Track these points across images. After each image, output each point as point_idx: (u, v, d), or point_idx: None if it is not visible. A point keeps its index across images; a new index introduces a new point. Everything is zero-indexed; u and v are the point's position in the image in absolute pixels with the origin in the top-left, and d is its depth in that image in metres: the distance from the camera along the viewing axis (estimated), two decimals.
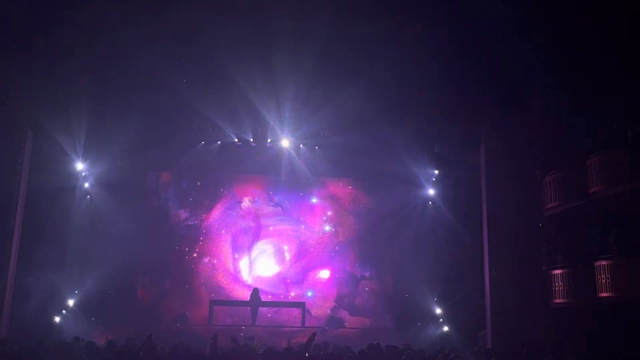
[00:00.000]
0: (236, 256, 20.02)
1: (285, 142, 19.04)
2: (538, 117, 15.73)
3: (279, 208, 20.31)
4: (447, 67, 13.90)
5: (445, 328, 17.59)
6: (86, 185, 18.10)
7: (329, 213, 20.42)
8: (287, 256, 20.19)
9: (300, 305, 18.52)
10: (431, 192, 19.36)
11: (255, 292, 18.27)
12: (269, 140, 18.94)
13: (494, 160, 16.15)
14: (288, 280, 19.74)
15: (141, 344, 8.67)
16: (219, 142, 19.09)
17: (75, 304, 17.07)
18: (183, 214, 19.86)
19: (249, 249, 20.13)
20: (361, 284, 19.78)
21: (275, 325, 18.25)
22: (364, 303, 19.60)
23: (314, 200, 20.39)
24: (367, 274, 19.72)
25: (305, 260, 20.09)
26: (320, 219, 20.39)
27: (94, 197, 18.11)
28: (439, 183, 19.04)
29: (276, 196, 20.25)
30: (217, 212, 20.11)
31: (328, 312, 19.42)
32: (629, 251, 12.87)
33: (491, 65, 14.21)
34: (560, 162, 14.99)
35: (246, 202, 20.25)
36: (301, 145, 19.21)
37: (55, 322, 16.08)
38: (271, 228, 20.34)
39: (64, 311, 16.57)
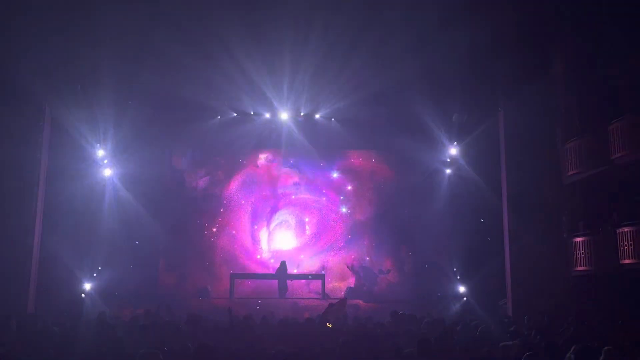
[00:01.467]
0: (255, 227, 20.19)
1: (302, 115, 18.98)
2: (558, 82, 15.45)
3: (296, 170, 20.33)
4: (463, 34, 13.63)
5: (466, 298, 17.61)
6: (105, 162, 18.19)
7: (349, 187, 20.42)
8: (308, 229, 20.29)
9: (321, 277, 18.65)
10: (450, 162, 19.18)
11: (283, 264, 18.35)
12: (284, 115, 18.86)
13: (513, 129, 15.95)
14: (302, 257, 19.75)
15: (157, 311, 8.74)
16: (235, 115, 19.04)
17: (99, 280, 17.33)
18: (202, 184, 20.03)
19: (269, 219, 20.27)
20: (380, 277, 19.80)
21: (294, 297, 18.38)
22: (383, 290, 19.60)
23: (335, 174, 20.39)
24: (384, 269, 19.57)
25: (325, 238, 20.15)
26: (340, 194, 20.40)
27: (114, 175, 18.24)
28: (458, 153, 18.85)
29: (294, 160, 20.29)
30: (237, 182, 20.24)
31: (348, 285, 19.49)
32: None
33: (510, 30, 13.92)
34: (581, 128, 14.77)
35: (262, 159, 20.30)
36: (318, 115, 19.08)
37: (80, 297, 16.35)
38: (293, 197, 20.43)
39: (87, 288, 16.83)
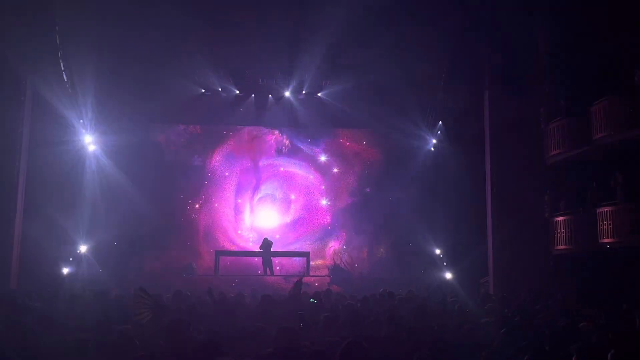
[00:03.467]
0: (239, 200, 20.24)
1: (288, 93, 18.99)
2: (542, 63, 15.50)
3: (285, 143, 20.35)
4: (450, 12, 13.62)
5: (449, 276, 17.80)
6: (88, 138, 18.04)
7: (335, 170, 20.48)
8: (292, 208, 20.37)
9: (305, 254, 18.76)
10: (435, 141, 19.26)
11: (265, 241, 18.40)
12: (271, 95, 18.91)
13: (498, 108, 16.01)
14: (277, 237, 19.67)
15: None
16: (220, 90, 18.97)
17: (83, 256, 17.31)
18: (187, 157, 20.01)
19: (254, 191, 20.31)
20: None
21: (278, 275, 18.50)
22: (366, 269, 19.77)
23: (323, 158, 20.41)
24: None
25: (308, 223, 20.22)
26: (326, 179, 20.44)
27: (97, 149, 18.13)
28: (442, 133, 18.90)
29: (283, 134, 20.34)
30: (220, 154, 20.27)
31: (332, 263, 19.63)
32: (631, 197, 12.90)
33: (494, 9, 13.92)
34: (564, 109, 14.87)
35: (247, 132, 20.32)
36: (304, 92, 19.08)
37: (63, 273, 16.32)
38: (281, 169, 20.45)
39: (71, 262, 16.80)
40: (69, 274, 16.15)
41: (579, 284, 14.09)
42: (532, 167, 15.49)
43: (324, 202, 20.42)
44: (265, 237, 18.60)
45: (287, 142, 20.41)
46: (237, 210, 20.29)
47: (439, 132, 18.93)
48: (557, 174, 15.49)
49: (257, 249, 18.59)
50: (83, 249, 17.27)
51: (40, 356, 5.50)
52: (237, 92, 19.12)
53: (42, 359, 5.46)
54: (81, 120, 17.20)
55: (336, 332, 6.57)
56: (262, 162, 20.44)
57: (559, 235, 14.87)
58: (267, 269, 18.15)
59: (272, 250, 18.40)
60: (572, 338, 6.33)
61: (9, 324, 6.95)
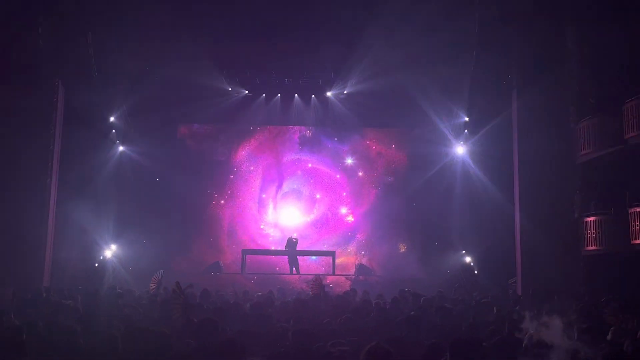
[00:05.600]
0: (263, 195, 20.35)
1: (311, 92, 19.11)
2: (572, 61, 15.26)
3: (308, 133, 20.42)
4: (476, 10, 13.51)
5: (476, 276, 17.65)
6: (117, 138, 18.39)
7: (360, 174, 20.48)
8: (317, 207, 20.43)
9: (331, 253, 18.76)
10: (462, 143, 19.10)
11: (290, 240, 18.46)
12: (296, 96, 19.03)
13: (526, 107, 15.77)
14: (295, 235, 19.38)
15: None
16: (246, 92, 19.18)
17: (112, 254, 17.64)
18: (212, 151, 20.22)
19: (279, 186, 20.39)
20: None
21: (304, 273, 18.54)
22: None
23: (349, 161, 20.43)
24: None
25: (330, 228, 20.23)
26: (349, 182, 20.44)
27: (126, 148, 18.48)
28: (470, 133, 18.73)
29: (310, 132, 20.42)
30: (246, 149, 20.42)
31: (357, 262, 19.62)
32: None
33: (523, 6, 13.76)
34: (595, 107, 14.62)
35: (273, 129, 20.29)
36: (329, 94, 19.13)
37: (94, 271, 16.62)
38: (310, 165, 20.50)
39: (102, 261, 17.12)
40: (100, 273, 16.44)
41: (609, 286, 13.82)
42: (561, 167, 15.25)
43: (343, 210, 20.41)
44: (289, 237, 18.65)
45: (309, 134, 20.51)
46: (261, 205, 20.42)
47: (466, 131, 18.76)
48: (588, 174, 15.22)
49: (282, 246, 18.71)
50: (113, 247, 17.57)
51: (75, 353, 5.58)
52: (264, 94, 19.29)
53: (78, 356, 5.54)
54: (112, 119, 17.53)
55: (360, 333, 6.57)
56: (287, 157, 20.54)
57: (589, 235, 14.62)
58: (293, 268, 18.20)
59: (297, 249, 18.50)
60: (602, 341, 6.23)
61: (45, 321, 7.11)
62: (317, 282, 9.94)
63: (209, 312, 7.71)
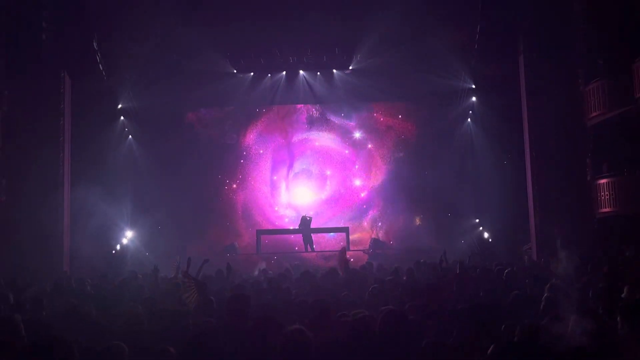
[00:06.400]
0: (275, 177, 20.45)
1: (316, 70, 19.01)
2: (577, 22, 15.07)
3: (319, 119, 20.41)
4: None
5: (491, 244, 17.69)
6: (126, 124, 18.52)
7: (370, 146, 20.47)
8: (328, 184, 20.50)
9: (345, 230, 18.84)
10: (470, 112, 19.01)
11: (304, 219, 18.56)
12: (300, 73, 18.92)
13: (534, 72, 15.65)
14: (310, 214, 19.44)
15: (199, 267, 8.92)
16: (252, 74, 19.10)
17: (129, 241, 17.85)
18: (220, 136, 20.26)
19: (289, 168, 20.47)
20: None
21: (319, 250, 18.65)
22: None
23: (357, 135, 20.42)
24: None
25: (343, 201, 20.27)
26: (359, 156, 20.43)
27: (135, 135, 18.60)
28: (478, 100, 18.63)
29: (317, 110, 20.38)
30: (254, 131, 20.47)
31: (372, 236, 19.70)
32: None
33: None
34: (603, 68, 14.47)
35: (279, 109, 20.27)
36: (334, 70, 19.02)
37: (112, 258, 16.83)
38: (317, 143, 20.54)
39: (118, 246, 17.34)
40: (118, 259, 16.65)
41: (626, 247, 13.81)
42: (572, 131, 15.16)
43: (357, 182, 20.46)
44: (304, 215, 18.73)
45: (317, 113, 20.51)
46: (274, 187, 20.55)
47: (474, 98, 18.65)
48: (598, 136, 15.13)
49: (295, 227, 18.82)
50: (129, 234, 17.77)
51: (98, 334, 5.68)
52: (269, 74, 19.19)
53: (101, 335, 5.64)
54: (120, 106, 17.63)
55: (382, 302, 6.64)
56: (296, 137, 20.58)
57: (602, 198, 14.58)
58: (308, 246, 18.32)
59: (311, 227, 18.58)
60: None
61: (67, 307, 7.23)
62: (342, 255, 10.00)
63: (227, 291, 7.80)
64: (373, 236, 19.58)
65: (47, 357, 3.27)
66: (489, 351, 4.11)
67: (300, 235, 18.61)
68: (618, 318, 4.80)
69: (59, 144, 15.42)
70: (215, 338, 4.44)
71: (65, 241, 15.26)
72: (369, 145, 20.55)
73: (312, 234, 18.52)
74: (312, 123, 20.60)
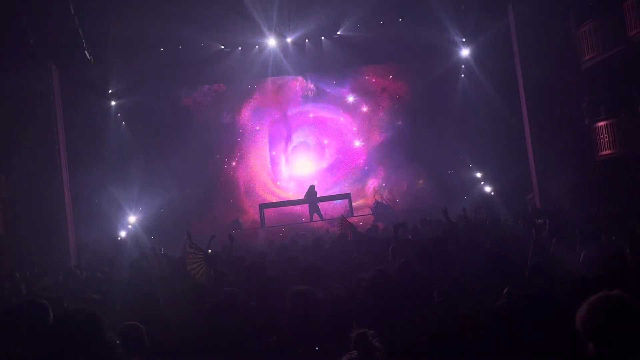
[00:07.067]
0: (273, 153, 20.42)
1: (305, 38, 18.70)
2: None
3: (311, 88, 20.28)
4: None
5: (494, 196, 17.72)
6: (118, 111, 18.40)
7: (365, 109, 20.37)
8: (327, 152, 20.46)
9: (347, 196, 18.85)
10: (463, 67, 18.83)
11: (311, 188, 18.52)
12: (289, 39, 18.58)
13: (524, 19, 15.47)
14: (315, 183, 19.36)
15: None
16: (240, 48, 18.83)
17: (134, 225, 17.88)
18: (216, 116, 20.12)
19: (287, 142, 20.42)
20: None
21: (323, 220, 18.64)
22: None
23: (351, 98, 20.29)
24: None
25: (344, 166, 20.26)
26: (355, 120, 20.34)
27: (128, 118, 18.50)
28: (470, 53, 18.42)
29: (308, 79, 20.22)
30: (249, 109, 20.32)
31: (373, 200, 19.70)
32: None
33: None
34: (594, 9, 14.28)
35: (272, 83, 20.14)
36: (323, 37, 18.77)
37: (118, 244, 16.86)
38: (311, 115, 20.48)
39: (123, 232, 17.37)
40: (124, 245, 16.67)
41: (628, 190, 13.83)
42: (567, 75, 15.03)
43: (357, 143, 20.43)
44: (312, 184, 18.69)
45: (312, 86, 20.34)
46: (273, 162, 20.51)
47: (466, 53, 18.46)
48: (594, 79, 15.03)
49: (301, 197, 18.80)
50: (132, 219, 17.78)
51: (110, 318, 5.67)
52: (257, 46, 18.89)
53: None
54: (110, 91, 17.47)
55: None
56: (291, 111, 20.47)
57: (602, 140, 14.55)
58: (315, 215, 18.28)
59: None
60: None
61: (77, 298, 7.22)
62: (344, 222, 9.99)
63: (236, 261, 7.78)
64: (377, 198, 19.60)
65: (77, 330, 3.24)
66: (504, 291, 4.14)
67: (307, 206, 18.62)
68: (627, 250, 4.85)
69: (53, 135, 15.32)
70: (236, 302, 4.47)
71: (70, 231, 15.30)
72: (364, 109, 20.45)
73: (318, 203, 18.49)
74: (306, 96, 20.45)
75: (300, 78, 20.25)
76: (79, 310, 3.49)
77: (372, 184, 20.24)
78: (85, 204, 15.80)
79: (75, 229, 15.59)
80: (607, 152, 14.43)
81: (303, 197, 18.59)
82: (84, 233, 15.59)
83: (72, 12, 14.50)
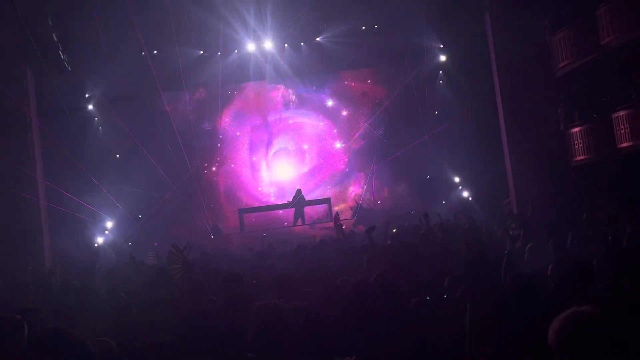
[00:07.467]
0: (254, 158, 20.38)
1: (285, 43, 18.72)
2: None
3: (290, 94, 20.28)
4: None
5: (472, 201, 17.88)
6: (95, 112, 18.24)
7: (344, 113, 20.43)
8: (307, 157, 20.49)
9: (326, 201, 18.88)
10: (440, 70, 19.00)
11: (298, 192, 18.49)
12: (268, 44, 18.56)
13: (501, 26, 15.64)
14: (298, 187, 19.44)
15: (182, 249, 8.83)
16: (219, 53, 18.75)
17: (110, 230, 17.68)
18: (197, 123, 19.96)
19: (267, 148, 20.40)
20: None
21: (306, 224, 18.63)
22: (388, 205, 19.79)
23: (330, 102, 20.34)
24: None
25: (324, 169, 20.31)
26: (335, 123, 20.41)
27: (106, 123, 18.32)
28: (447, 59, 18.60)
29: (287, 85, 20.22)
30: (229, 114, 20.23)
31: (354, 204, 19.74)
32: None
33: None
34: (569, 18, 14.53)
35: (252, 89, 20.07)
36: (302, 43, 18.81)
37: (95, 251, 16.66)
38: (290, 121, 20.48)
39: (100, 239, 17.17)
40: (101, 252, 16.49)
41: (602, 192, 14.04)
42: (542, 82, 15.24)
43: (338, 145, 20.50)
44: (298, 188, 18.69)
45: (293, 97, 20.35)
46: (254, 168, 20.46)
47: (443, 59, 18.64)
48: (568, 85, 15.29)
49: (281, 203, 18.83)
50: (109, 224, 17.59)
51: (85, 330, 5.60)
52: (236, 50, 18.84)
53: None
54: (87, 95, 17.29)
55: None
56: (271, 117, 20.44)
57: (576, 146, 14.79)
58: (299, 220, 18.25)
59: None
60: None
61: (51, 305, 7.13)
62: (337, 220, 10.08)
63: (208, 271, 7.78)
64: (359, 202, 19.61)
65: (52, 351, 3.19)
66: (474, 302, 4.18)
67: (289, 210, 18.61)
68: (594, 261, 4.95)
69: (27, 140, 15.13)
70: (208, 319, 4.44)
71: (46, 237, 15.08)
72: (344, 112, 20.52)
73: (303, 207, 18.48)
74: (286, 103, 20.45)
75: (281, 87, 20.21)
76: (57, 333, 3.42)
77: (353, 188, 20.29)
78: (61, 210, 15.56)
79: (51, 235, 15.38)
80: (581, 157, 14.66)
81: (290, 201, 18.54)
82: (60, 239, 15.39)
83: (48, 17, 14.34)
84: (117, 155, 18.32)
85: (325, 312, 4.54)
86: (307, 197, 19.23)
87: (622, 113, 13.03)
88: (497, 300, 4.15)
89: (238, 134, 20.40)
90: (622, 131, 13.00)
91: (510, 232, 7.61)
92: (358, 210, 19.04)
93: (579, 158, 14.79)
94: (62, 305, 7.12)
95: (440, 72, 19.02)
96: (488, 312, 3.97)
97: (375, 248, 7.31)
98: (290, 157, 20.56)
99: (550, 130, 15.38)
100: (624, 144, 13.04)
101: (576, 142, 14.76)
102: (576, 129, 14.74)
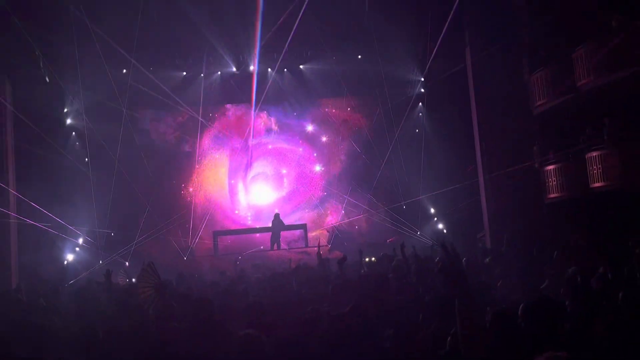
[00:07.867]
0: (232, 182, 20.31)
1: (268, 67, 18.83)
2: (520, 14, 15.46)
3: (270, 119, 20.33)
4: None
5: (445, 233, 18.00)
6: (72, 130, 18.02)
7: (324, 139, 20.53)
8: (286, 182, 20.48)
9: (302, 227, 18.84)
10: (420, 102, 19.28)
11: (277, 217, 18.40)
12: (251, 68, 18.66)
13: (481, 64, 15.98)
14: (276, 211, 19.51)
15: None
16: (202, 75, 18.81)
17: (82, 247, 17.37)
18: (176, 145, 19.89)
19: (246, 171, 20.37)
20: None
21: (282, 249, 18.54)
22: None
23: (310, 127, 20.44)
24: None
25: (302, 194, 20.33)
26: (315, 148, 20.49)
27: (82, 137, 18.12)
28: (427, 92, 18.90)
29: (268, 110, 20.25)
30: (209, 136, 20.17)
31: (331, 232, 19.72)
32: (618, 140, 13.01)
33: None
34: (546, 58, 14.88)
35: (232, 111, 20.10)
36: (285, 69, 18.98)
37: (64, 270, 16.33)
38: (270, 146, 20.47)
39: (70, 256, 16.85)
40: (71, 270, 16.16)
41: (575, 229, 14.24)
42: (519, 119, 15.53)
43: (317, 168, 20.57)
44: (276, 212, 18.63)
45: (275, 127, 20.42)
46: (232, 192, 20.36)
47: (422, 91, 18.93)
48: (544, 124, 15.57)
49: (258, 227, 18.73)
50: (80, 241, 17.29)
51: (50, 352, 5.47)
52: (219, 72, 18.95)
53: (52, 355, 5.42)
54: (66, 110, 17.11)
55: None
56: (251, 142, 20.44)
57: (550, 184, 15.02)
58: (275, 245, 18.14)
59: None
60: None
61: (15, 324, 6.93)
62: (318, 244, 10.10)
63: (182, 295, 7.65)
64: (332, 232, 19.60)
65: None
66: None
67: (266, 234, 18.51)
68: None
69: (2, 151, 14.88)
70: (177, 345, 4.37)
71: (13, 252, 14.75)
72: (324, 139, 20.62)
73: (279, 232, 18.40)
74: (267, 129, 20.50)
75: (263, 115, 20.26)
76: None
77: (330, 212, 20.29)
78: (31, 225, 15.26)
79: (19, 251, 15.05)
80: (555, 195, 14.89)
81: (267, 226, 18.45)
82: (28, 255, 15.08)
83: (29, 30, 14.25)
84: (91, 171, 17.99)
85: (302, 343, 4.50)
86: (285, 221, 19.19)
87: (595, 154, 13.29)
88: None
89: (217, 156, 20.33)
90: (595, 171, 13.25)
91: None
92: (335, 237, 19.04)
93: (552, 195, 15.01)
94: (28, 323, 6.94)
95: (420, 104, 19.28)
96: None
97: (343, 278, 7.30)
98: (269, 182, 20.53)
99: (526, 167, 15.62)
100: (597, 184, 13.27)
101: (550, 179, 15.00)
102: (550, 167, 14.99)
